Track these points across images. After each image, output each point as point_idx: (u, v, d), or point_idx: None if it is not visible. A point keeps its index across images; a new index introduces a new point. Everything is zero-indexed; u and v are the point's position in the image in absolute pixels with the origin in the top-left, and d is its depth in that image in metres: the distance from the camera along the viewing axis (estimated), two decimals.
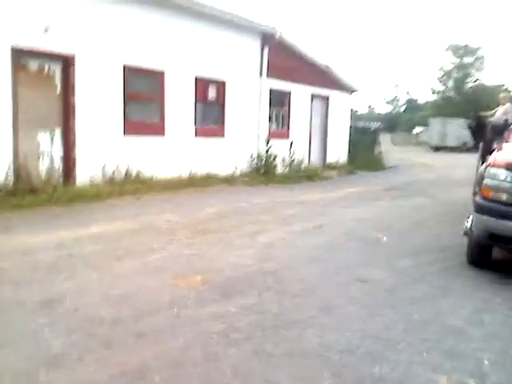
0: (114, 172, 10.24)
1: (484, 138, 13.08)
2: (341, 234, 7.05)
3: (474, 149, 14.04)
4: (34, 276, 4.63)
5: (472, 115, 14.58)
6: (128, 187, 9.80)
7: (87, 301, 4.05)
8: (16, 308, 3.86)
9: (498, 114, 13.62)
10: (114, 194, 9.26)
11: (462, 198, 11.20)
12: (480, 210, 5.29)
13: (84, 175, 9.73)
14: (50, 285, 4.40)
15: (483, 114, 14.17)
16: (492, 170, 5.23)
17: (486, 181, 5.26)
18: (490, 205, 5.18)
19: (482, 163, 13.32)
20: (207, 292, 4.38)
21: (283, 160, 14.29)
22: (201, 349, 3.34)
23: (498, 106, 13.83)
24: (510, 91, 64.45)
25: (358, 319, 4.00)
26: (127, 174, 10.44)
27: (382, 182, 14.36)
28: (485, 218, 5.20)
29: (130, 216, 7.63)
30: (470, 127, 14.46)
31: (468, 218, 5.81)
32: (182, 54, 11.82)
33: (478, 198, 5.38)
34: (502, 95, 14.22)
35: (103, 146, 10.10)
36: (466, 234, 5.82)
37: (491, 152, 13.81)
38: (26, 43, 8.82)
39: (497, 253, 5.76)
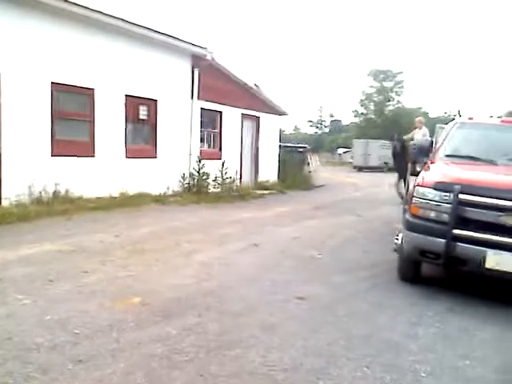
0: (41, 192, 9.87)
1: (406, 159, 13.38)
2: (276, 252, 7.13)
3: (394, 169, 14.66)
4: None
5: (397, 138, 15.04)
6: (57, 207, 9.46)
7: (21, 327, 3.87)
8: None
9: (418, 137, 14.03)
10: (42, 214, 8.91)
11: (387, 215, 11.68)
12: (410, 227, 5.52)
13: (10, 195, 9.33)
14: None
15: (404, 137, 14.75)
16: (421, 190, 5.48)
17: (415, 200, 5.50)
18: (419, 222, 5.41)
19: (404, 183, 13.79)
20: (146, 314, 4.30)
21: (215, 179, 14.30)
22: (143, 373, 3.28)
23: (414, 128, 14.44)
24: (427, 113, 67.93)
25: (300, 336, 4.05)
26: (55, 193, 10.09)
27: (312, 200, 14.65)
28: (414, 235, 5.42)
29: (61, 237, 7.35)
30: (394, 148, 14.86)
31: (397, 235, 6.05)
32: (113, 72, 11.65)
33: (407, 216, 5.61)
34: (417, 119, 14.81)
35: (30, 165, 9.73)
36: (396, 250, 6.05)
37: (417, 173, 14.52)
38: None
39: (425, 268, 6.02)
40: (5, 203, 9.21)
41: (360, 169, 43.32)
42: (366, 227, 9.87)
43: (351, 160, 48.55)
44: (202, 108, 14.64)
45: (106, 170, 11.44)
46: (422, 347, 4.02)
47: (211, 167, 14.08)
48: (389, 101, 66.37)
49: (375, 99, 66.01)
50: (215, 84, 14.92)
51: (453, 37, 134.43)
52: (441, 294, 5.49)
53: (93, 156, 11.20)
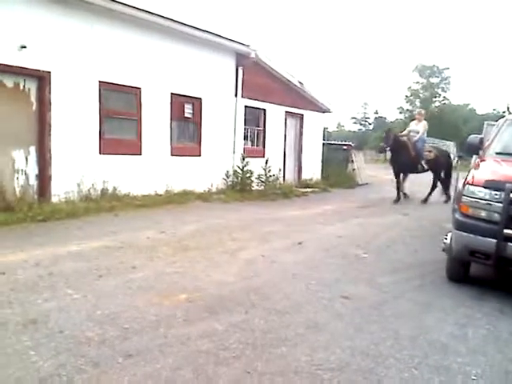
0: (89, 189, 10.12)
1: (406, 154, 13.31)
2: (321, 250, 7.09)
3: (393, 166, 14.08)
4: (14, 296, 4.52)
5: (387, 132, 14.08)
6: (104, 204, 9.68)
7: (72, 321, 3.97)
8: None
9: (419, 128, 13.94)
10: (90, 211, 9.14)
11: (434, 214, 11.45)
12: (459, 226, 5.39)
13: (59, 192, 9.60)
14: (31, 305, 4.31)
15: (399, 133, 14.27)
16: (471, 188, 5.34)
17: (465, 198, 5.37)
18: (469, 222, 5.28)
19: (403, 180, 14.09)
20: (193, 310, 4.35)
21: (259, 177, 14.33)
22: (191, 368, 3.31)
23: (412, 120, 14.44)
24: (474, 110, 65.99)
25: (346, 336, 4.02)
26: (103, 190, 10.33)
27: (356, 199, 14.51)
28: (464, 234, 5.29)
29: (109, 233, 7.52)
30: (386, 139, 13.67)
31: (446, 234, 5.92)
32: (159, 71, 11.82)
33: (457, 215, 5.48)
34: (418, 111, 14.94)
35: (79, 163, 9.98)
36: (444, 250, 5.93)
37: (421, 169, 13.97)
38: (1, 60, 8.70)
39: (474, 268, 5.88)
40: (54, 200, 9.47)
41: None
42: (413, 226, 9.71)
43: None
44: (245, 106, 14.69)
45: (151, 168, 11.63)
46: (471, 349, 3.92)
47: (255, 165, 14.11)
48: (435, 97, 65.14)
49: (421, 95, 64.89)
50: (259, 81, 14.94)
51: (502, 31, 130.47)
52: (490, 295, 5.35)
53: (139, 154, 11.40)
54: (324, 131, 21.13)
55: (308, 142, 18.36)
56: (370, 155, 51.97)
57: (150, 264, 5.86)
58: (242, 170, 13.83)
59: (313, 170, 18.68)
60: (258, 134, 15.85)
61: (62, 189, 9.64)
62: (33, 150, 9.37)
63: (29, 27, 9.10)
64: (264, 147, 15.91)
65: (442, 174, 14.50)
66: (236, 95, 14.19)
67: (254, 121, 15.61)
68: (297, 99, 17.29)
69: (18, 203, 8.63)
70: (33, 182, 9.39)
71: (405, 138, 13.85)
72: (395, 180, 14.12)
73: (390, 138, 13.51)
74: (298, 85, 16.92)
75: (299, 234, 8.19)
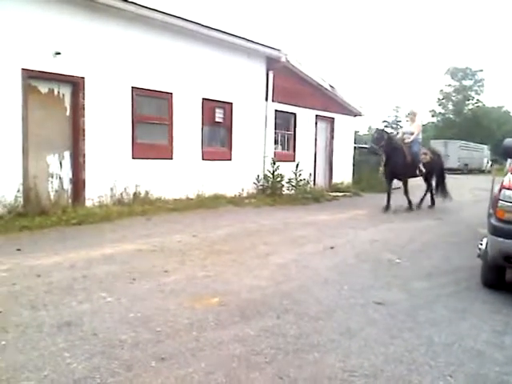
0: (122, 193, 10.25)
1: (401, 158, 12.07)
2: (353, 255, 7.02)
3: (385, 171, 12.71)
4: (49, 298, 4.59)
5: (379, 132, 12.64)
6: (137, 208, 9.80)
7: (105, 324, 4.01)
8: (34, 331, 3.82)
9: (412, 129, 12.80)
10: (123, 214, 9.26)
11: (469, 219, 11.22)
12: (495, 231, 5.26)
13: (93, 196, 9.75)
14: (66, 307, 4.37)
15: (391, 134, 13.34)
16: (507, 193, 5.21)
17: (502, 203, 5.24)
18: (505, 227, 5.15)
19: (405, 186, 12.49)
20: (225, 314, 4.34)
21: (289, 181, 14.30)
22: (223, 373, 3.30)
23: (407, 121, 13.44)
24: (509, 112, 64.58)
25: (379, 342, 3.96)
26: (135, 194, 10.46)
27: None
28: (500, 239, 5.16)
29: (141, 237, 7.60)
30: (376, 144, 12.20)
31: (482, 240, 5.79)
32: (190, 76, 11.92)
33: (493, 220, 5.35)
34: (410, 111, 13.71)
35: (112, 168, 10.13)
36: (480, 256, 5.79)
37: (420, 173, 12.68)
38: (36, 66, 8.90)
39: (510, 274, 5.73)
40: (88, 204, 9.62)
41: None
42: (447, 231, 9.53)
43: None
44: (276, 110, 14.69)
45: (183, 172, 11.71)
46: (509, 357, 3.81)
47: (285, 169, 14.08)
48: (468, 100, 64.05)
49: (454, 98, 63.91)
50: (289, 85, 14.94)
51: None
52: None
53: (171, 158, 11.50)
54: (355, 134, 20.95)
55: (339, 146, 18.25)
56: None
57: (181, 268, 5.89)
58: (272, 174, 13.82)
59: (344, 173, 18.56)
60: (288, 138, 15.83)
61: (95, 193, 9.78)
62: (67, 154, 9.53)
63: (63, 34, 9.30)
64: (294, 151, 15.87)
65: (435, 177, 13.68)
66: (266, 99, 14.21)
67: (285, 125, 15.60)
68: (328, 103, 17.22)
69: (53, 207, 8.79)
70: (67, 186, 9.55)
71: (399, 140, 12.79)
72: (387, 186, 12.79)
73: (383, 139, 12.19)
74: (329, 88, 16.85)
75: (331, 239, 8.13)
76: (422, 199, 13.47)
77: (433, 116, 67.42)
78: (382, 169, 12.91)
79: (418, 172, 12.78)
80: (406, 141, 12.65)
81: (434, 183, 13.76)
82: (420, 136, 13.19)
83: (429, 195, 13.72)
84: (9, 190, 8.49)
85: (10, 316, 4.10)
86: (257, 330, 4.03)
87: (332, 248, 7.39)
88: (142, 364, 3.36)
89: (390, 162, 12.37)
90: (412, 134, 12.76)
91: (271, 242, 7.65)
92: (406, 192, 12.79)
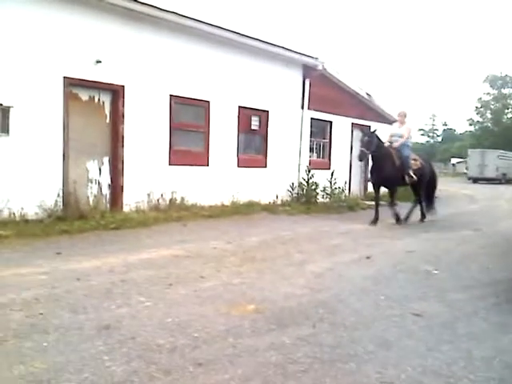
0: (158, 199, 10.40)
1: (389, 163, 10.88)
2: (390, 265, 6.94)
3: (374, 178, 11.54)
4: (88, 302, 4.68)
5: (369, 135, 11.20)
6: (173, 214, 9.93)
7: (144, 328, 4.07)
8: (74, 334, 3.90)
9: (402, 131, 11.68)
10: (159, 220, 9.39)
11: (508, 230, 10.97)
12: None
13: (130, 202, 9.91)
14: (105, 311, 4.45)
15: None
16: None
17: None
18: None
19: (393, 196, 11.13)
20: (261, 322, 4.35)
21: (324, 189, 14.25)
22: (260, 380, 3.31)
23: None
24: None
25: (417, 354, 3.90)
26: (172, 200, 10.59)
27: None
28: None
29: (177, 242, 7.70)
30: (367, 149, 10.93)
31: None
32: (227, 84, 12.03)
33: None
34: (400, 112, 12.24)
35: (149, 174, 10.30)
36: None
37: (410, 181, 11.38)
38: (77, 74, 9.12)
39: None
40: (125, 209, 9.79)
41: (475, 180, 41.25)
42: (486, 242, 9.33)
43: (466, 171, 46.41)
44: (311, 118, 14.70)
45: (218, 179, 11.81)
46: None
47: (320, 177, 14.05)
48: (507, 108, 62.70)
49: (492, 107, 62.65)
50: (325, 93, 14.92)
51: None
52: None
53: (207, 165, 11.62)
54: None
55: None
56: (439, 168, 50.64)
57: (217, 274, 5.93)
58: (307, 182, 13.81)
59: None
60: (323, 146, 15.81)
61: (132, 198, 9.95)
62: (106, 160, 9.73)
63: (104, 42, 9.52)
64: (330, 159, 15.84)
65: (425, 186, 12.37)
66: (302, 107, 14.23)
67: (320, 133, 15.60)
68: (364, 111, 17.13)
69: (91, 212, 8.98)
70: (105, 191, 9.75)
71: (388, 144, 11.56)
72: (374, 195, 11.73)
73: (373, 143, 10.94)
74: (366, 96, 16.78)
75: (367, 248, 8.06)
76: (410, 211, 12.05)
77: (470, 125, 66.32)
78: (369, 176, 11.96)
79: (407, 179, 11.54)
80: (395, 145, 11.54)
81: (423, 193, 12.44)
82: (410, 140, 12.10)
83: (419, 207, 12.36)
84: (49, 195, 8.71)
85: (50, 318, 4.20)
86: (293, 339, 4.02)
87: (368, 258, 7.32)
88: (179, 369, 3.39)
89: (377, 168, 11.28)
90: (401, 136, 11.62)
91: (306, 250, 7.64)
92: (392, 202, 11.62)
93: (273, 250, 7.58)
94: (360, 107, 16.86)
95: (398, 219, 11.44)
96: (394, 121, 19.00)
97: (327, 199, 14.23)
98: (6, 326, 3.95)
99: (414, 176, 11.45)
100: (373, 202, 12.19)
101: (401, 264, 7.06)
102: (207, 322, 4.28)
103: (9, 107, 8.05)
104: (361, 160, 11.79)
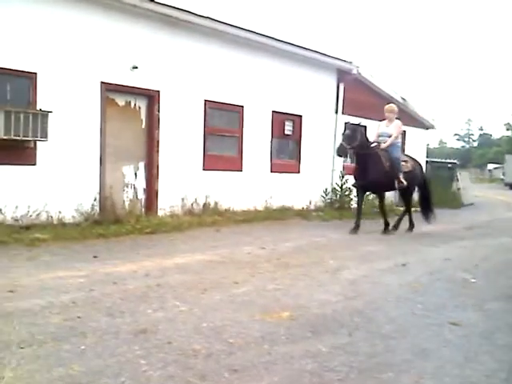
0: (192, 203, 10.48)
1: (372, 167, 9.73)
2: (426, 273, 6.83)
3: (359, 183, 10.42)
4: (125, 305, 4.73)
5: (351, 128, 9.84)
6: (206, 218, 9.99)
7: (179, 333, 4.09)
8: (111, 337, 3.94)
9: (390, 131, 10.32)
10: (193, 224, 9.46)
11: None
12: None
13: (165, 206, 10.02)
14: (141, 315, 4.49)
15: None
16: None
17: None
18: None
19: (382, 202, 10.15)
20: (296, 329, 4.33)
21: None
22: None
23: (382, 120, 10.62)
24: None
25: (455, 364, 3.82)
26: (205, 205, 10.66)
27: (462, 220, 13.90)
28: None
29: (211, 247, 7.74)
30: (348, 143, 9.70)
31: None
32: (261, 89, 12.07)
33: None
34: (387, 107, 10.74)
35: (183, 179, 10.39)
36: None
37: (399, 186, 10.00)
38: (114, 79, 9.28)
39: None
40: (160, 213, 9.89)
41: None
42: None
43: (502, 177, 45.45)
44: (345, 122, 14.56)
45: (252, 184, 11.83)
46: None
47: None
48: None
49: None
50: (360, 98, 14.81)
51: None
52: None
53: (240, 170, 11.66)
54: (426, 148, 20.51)
55: None
56: (475, 174, 49.78)
57: (251, 279, 5.93)
58: (340, 187, 13.71)
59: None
60: None
61: (167, 203, 10.05)
62: (142, 165, 9.86)
63: (140, 48, 9.66)
64: None
65: (417, 192, 11.58)
66: (336, 112, 14.17)
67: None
68: (399, 115, 16.91)
69: (127, 216, 9.10)
70: (141, 195, 9.88)
71: (375, 144, 10.35)
72: (357, 201, 10.71)
73: (356, 138, 9.71)
74: (401, 101, 16.58)
75: (402, 255, 7.95)
76: (399, 219, 11.03)
77: (507, 129, 64.96)
78: (354, 181, 10.70)
79: (396, 184, 10.28)
80: (383, 145, 10.21)
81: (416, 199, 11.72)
82: (399, 139, 10.85)
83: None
84: (86, 199, 8.88)
85: (88, 321, 4.25)
86: (328, 347, 3.99)
87: (404, 265, 7.22)
88: (215, 375, 3.39)
89: (363, 170, 10.06)
90: (390, 136, 10.27)
91: (340, 257, 7.58)
92: (383, 210, 10.70)
93: (307, 255, 7.54)
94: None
95: (387, 228, 10.50)
96: (431, 126, 18.81)
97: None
98: (46, 328, 4.01)
99: (405, 181, 10.25)
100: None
101: (437, 272, 6.94)
102: (242, 327, 4.28)
103: (48, 112, 8.23)
104: (340, 155, 10.44)
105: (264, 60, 12.12)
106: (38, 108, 8.24)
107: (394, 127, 10.41)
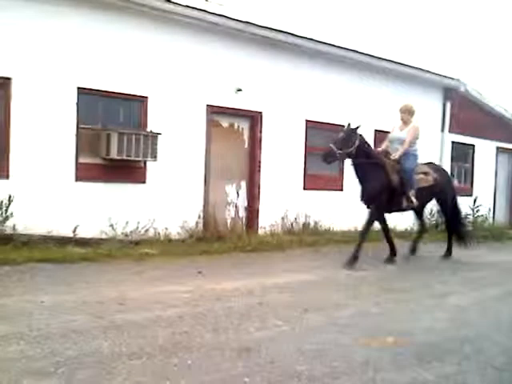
0: (292, 223, 10.51)
1: (373, 180, 8.11)
2: None
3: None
4: (229, 322, 4.81)
5: (346, 131, 8.22)
6: (306, 238, 9.97)
7: (281, 353, 4.08)
8: (217, 353, 4.01)
9: (409, 138, 8.40)
10: (293, 244, 9.49)
11: None
12: None
13: (265, 225, 10.14)
14: (244, 333, 4.54)
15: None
16: None
17: None
18: None
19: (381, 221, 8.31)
20: (401, 355, 4.17)
21: (465, 217, 13.47)
22: None
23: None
24: None
25: None
26: (305, 225, 10.65)
27: None
28: None
29: (312, 268, 7.72)
30: (338, 148, 8.00)
31: None
32: (362, 108, 11.90)
33: None
34: (402, 107, 8.78)
35: (284, 198, 10.46)
36: None
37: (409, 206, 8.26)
38: (219, 102, 9.58)
39: None
40: (260, 232, 10.02)
41: None
42: None
43: None
44: (452, 141, 14.07)
45: (352, 204, 11.60)
46: None
47: (461, 203, 13.30)
48: None
49: None
50: (467, 116, 14.23)
51: None
52: None
53: (341, 190, 11.53)
54: None
55: None
56: None
57: (353, 302, 5.82)
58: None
59: None
60: (465, 170, 15.02)
61: (267, 221, 10.16)
62: (243, 184, 10.06)
63: (243, 70, 9.93)
64: (472, 185, 15.00)
65: (444, 211, 9.78)
66: (443, 130, 13.68)
67: (462, 157, 14.86)
68: (510, 134, 16.06)
69: (229, 233, 9.30)
70: (242, 214, 10.06)
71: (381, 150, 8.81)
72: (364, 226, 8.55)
73: (350, 144, 8.00)
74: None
75: None
76: (415, 243, 9.53)
77: None
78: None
79: (405, 203, 8.49)
80: (394, 156, 8.43)
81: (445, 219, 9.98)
82: (416, 146, 8.69)
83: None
84: (191, 216, 9.19)
85: (194, 337, 4.35)
86: (436, 376, 3.80)
87: None
88: None
89: (361, 184, 8.46)
90: (403, 142, 8.47)
91: (447, 282, 7.26)
92: (387, 234, 8.95)
93: (411, 279, 7.32)
94: (506, 130, 15.82)
95: (393, 254, 8.85)
96: None
97: (469, 227, 13.41)
98: (154, 342, 4.16)
99: (415, 200, 8.47)
100: None
101: None
102: (345, 351, 4.19)
103: (157, 134, 8.64)
104: (325, 160, 8.26)
105: (367, 79, 11.98)
106: (148, 130, 8.68)
107: (409, 131, 8.52)
